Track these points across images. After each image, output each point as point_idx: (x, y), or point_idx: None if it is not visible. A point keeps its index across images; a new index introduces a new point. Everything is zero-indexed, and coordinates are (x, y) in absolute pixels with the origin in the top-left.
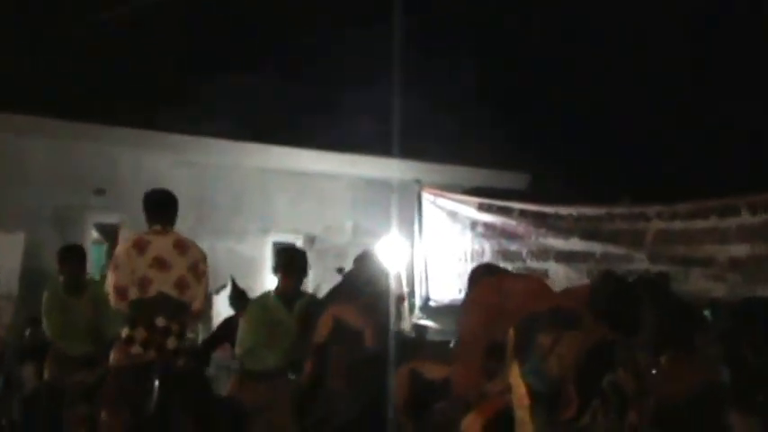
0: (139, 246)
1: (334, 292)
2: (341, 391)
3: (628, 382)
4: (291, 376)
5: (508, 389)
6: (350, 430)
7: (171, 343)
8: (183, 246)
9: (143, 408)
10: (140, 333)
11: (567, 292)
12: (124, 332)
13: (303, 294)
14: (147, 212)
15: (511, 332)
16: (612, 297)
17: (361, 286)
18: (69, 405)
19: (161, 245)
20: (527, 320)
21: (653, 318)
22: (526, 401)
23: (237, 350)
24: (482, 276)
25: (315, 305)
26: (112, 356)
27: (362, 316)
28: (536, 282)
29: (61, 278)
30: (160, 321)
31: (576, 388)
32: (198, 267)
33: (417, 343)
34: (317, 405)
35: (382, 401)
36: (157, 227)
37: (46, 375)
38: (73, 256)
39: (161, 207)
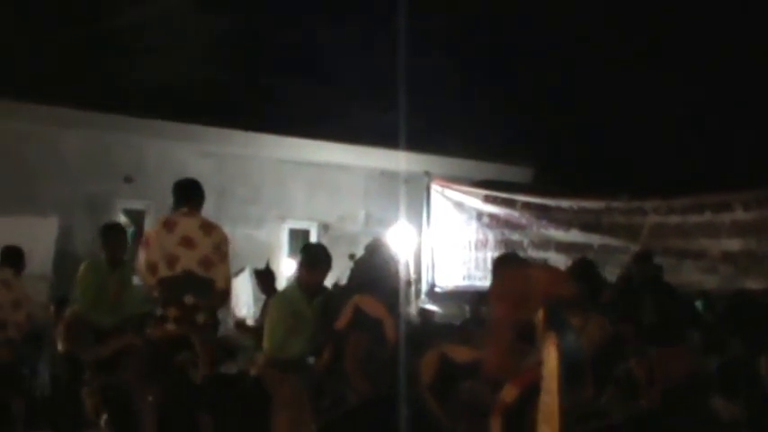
0: (168, 225)
1: (354, 282)
2: (355, 376)
3: (639, 371)
4: (310, 361)
5: (542, 362)
6: (363, 413)
7: (201, 318)
8: (208, 227)
9: (175, 379)
10: (172, 311)
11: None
12: (158, 311)
13: (325, 288)
14: (175, 197)
15: (541, 312)
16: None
17: (376, 274)
18: (85, 378)
19: (188, 225)
20: (555, 302)
21: (652, 311)
22: (556, 371)
23: (266, 343)
24: (506, 266)
25: (335, 294)
26: (149, 332)
27: (383, 307)
28: (556, 270)
29: (104, 254)
30: (188, 299)
31: (592, 373)
32: (221, 248)
33: (438, 328)
34: (333, 388)
35: (395, 387)
36: (184, 209)
37: (61, 348)
38: (116, 232)
39: (187, 191)
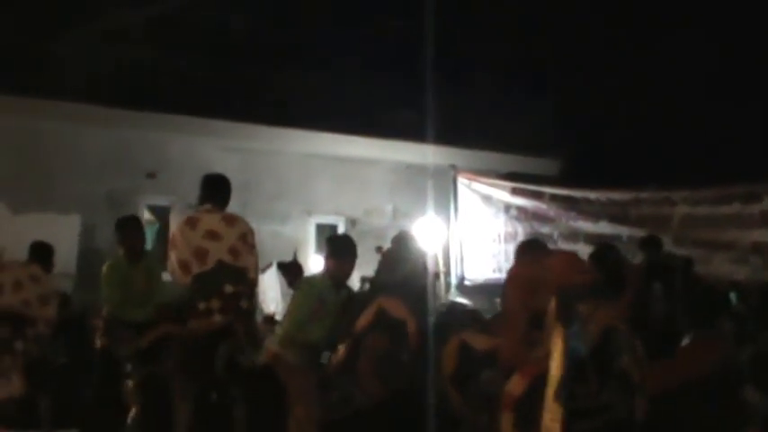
0: (191, 222)
1: (381, 277)
2: (367, 377)
3: (633, 368)
4: (325, 354)
5: (549, 354)
6: (374, 413)
7: (244, 304)
8: (230, 219)
9: (219, 370)
10: (215, 303)
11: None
12: (200, 306)
13: (350, 288)
14: (201, 192)
15: (552, 301)
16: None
17: (403, 269)
18: (125, 371)
19: (210, 220)
20: (567, 290)
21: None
22: (560, 363)
23: (285, 323)
24: (525, 253)
25: (358, 295)
26: (191, 325)
27: (407, 307)
28: (572, 256)
29: (122, 249)
30: (228, 288)
31: (593, 367)
32: (247, 238)
33: (466, 314)
34: (342, 386)
35: (412, 388)
36: (208, 206)
37: (99, 344)
38: (132, 225)
39: (213, 189)
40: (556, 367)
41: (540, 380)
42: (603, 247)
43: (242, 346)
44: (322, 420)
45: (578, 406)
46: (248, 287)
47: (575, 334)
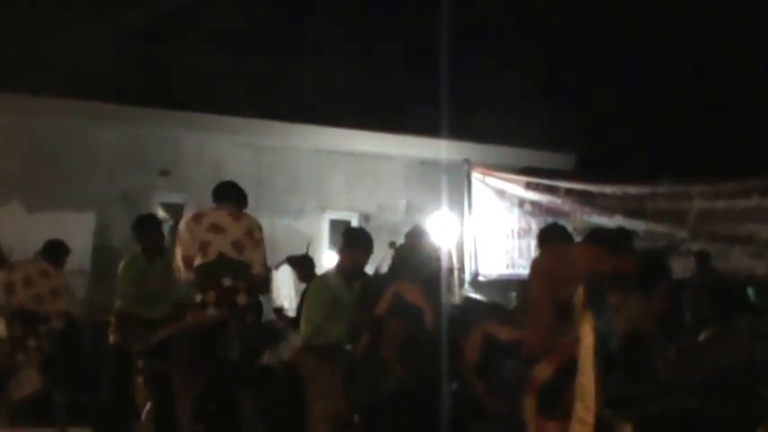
0: (196, 217)
1: (395, 270)
2: (392, 363)
3: (663, 368)
4: (348, 347)
5: (578, 340)
6: (398, 400)
7: (241, 299)
8: (237, 215)
9: (216, 365)
10: (211, 296)
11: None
12: (197, 298)
13: (365, 274)
14: (214, 198)
15: (580, 290)
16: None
17: (417, 262)
18: (136, 368)
19: (216, 215)
20: (594, 279)
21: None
22: (591, 351)
23: (303, 328)
24: (549, 241)
25: (374, 282)
26: (189, 319)
27: (423, 295)
28: (593, 249)
29: (140, 247)
30: (226, 281)
31: (623, 359)
32: (253, 233)
33: (487, 306)
34: (368, 374)
35: (432, 377)
36: (215, 206)
37: (111, 340)
38: (150, 224)
39: (222, 193)
40: (587, 355)
41: (566, 367)
42: (616, 233)
43: (233, 344)
44: (350, 409)
45: (608, 394)
46: (249, 282)
47: (605, 321)
